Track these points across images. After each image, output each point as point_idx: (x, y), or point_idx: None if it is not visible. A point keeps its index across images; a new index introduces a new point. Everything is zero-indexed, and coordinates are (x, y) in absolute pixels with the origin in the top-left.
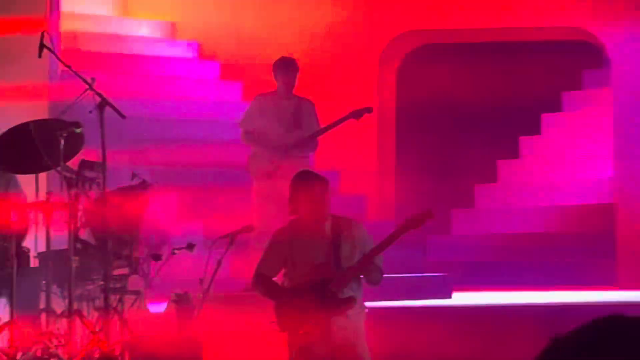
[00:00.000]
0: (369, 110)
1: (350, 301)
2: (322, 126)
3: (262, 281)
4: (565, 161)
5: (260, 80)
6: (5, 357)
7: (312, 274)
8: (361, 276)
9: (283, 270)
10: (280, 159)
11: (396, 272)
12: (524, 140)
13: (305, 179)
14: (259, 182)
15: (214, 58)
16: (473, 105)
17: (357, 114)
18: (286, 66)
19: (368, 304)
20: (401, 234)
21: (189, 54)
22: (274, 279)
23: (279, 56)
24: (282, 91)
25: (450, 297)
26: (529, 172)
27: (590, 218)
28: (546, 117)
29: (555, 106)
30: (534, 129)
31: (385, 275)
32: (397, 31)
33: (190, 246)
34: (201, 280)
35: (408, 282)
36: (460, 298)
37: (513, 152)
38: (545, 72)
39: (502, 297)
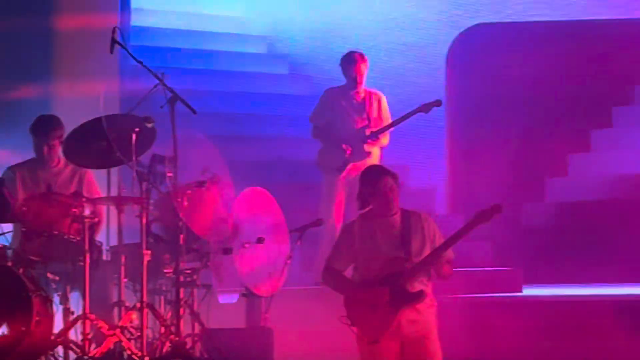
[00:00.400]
0: (437, 103)
1: (420, 295)
2: (392, 120)
3: (332, 275)
4: (636, 154)
5: (330, 75)
6: (78, 350)
7: (382, 267)
8: (431, 270)
9: (353, 265)
10: (349, 153)
11: (466, 266)
12: (595, 134)
13: (374, 173)
14: (329, 176)
15: (283, 53)
16: (544, 98)
17: (425, 108)
18: (353, 60)
19: (438, 298)
20: (471, 229)
21: (259, 48)
22: (344, 273)
23: (347, 50)
24: (350, 85)
25: (520, 291)
26: (599, 165)
27: None
28: (617, 110)
29: (625, 99)
30: (605, 122)
31: (455, 269)
32: (467, 24)
33: (260, 240)
34: (270, 274)
35: (478, 275)
36: (531, 292)
37: (584, 145)
38: (616, 65)
39: (574, 290)
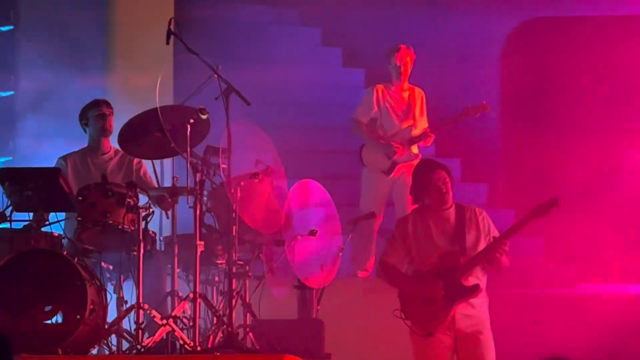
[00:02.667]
0: (485, 107)
1: (475, 289)
2: (440, 121)
3: (386, 269)
4: None
5: (382, 68)
6: (131, 340)
7: (437, 262)
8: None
9: (407, 259)
10: (399, 155)
11: (518, 262)
12: None
13: (428, 167)
14: (373, 173)
15: (336, 44)
16: (598, 92)
17: (472, 111)
18: (397, 49)
19: (490, 293)
20: (527, 222)
21: (312, 39)
22: (399, 267)
23: (400, 42)
24: (395, 79)
25: (573, 287)
26: None
27: None
28: None
29: None
30: None
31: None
32: (524, 15)
33: (312, 232)
34: (323, 266)
35: (531, 271)
36: (584, 288)
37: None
38: None
39: (628, 288)
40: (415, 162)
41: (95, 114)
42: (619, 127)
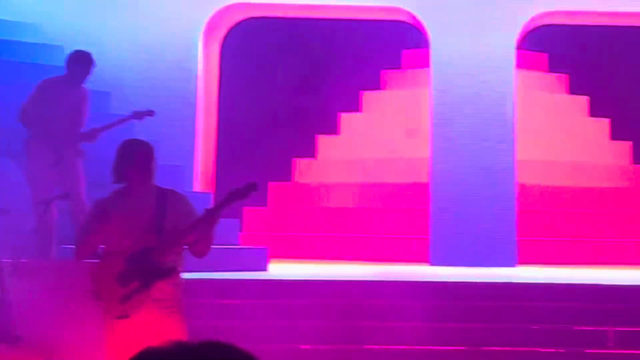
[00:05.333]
0: (150, 113)
1: (171, 271)
2: (104, 125)
3: (83, 250)
4: (383, 139)
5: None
6: None
7: (135, 243)
8: (185, 247)
9: (105, 239)
10: (63, 149)
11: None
12: (344, 117)
13: (129, 144)
14: (39, 168)
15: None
16: (293, 80)
17: (139, 115)
18: (78, 59)
19: (183, 275)
20: (225, 206)
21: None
22: (97, 247)
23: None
24: (68, 79)
25: (266, 269)
26: (348, 148)
27: (405, 196)
28: (366, 95)
29: (375, 84)
30: (355, 106)
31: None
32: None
33: (3, 211)
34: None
35: (223, 254)
36: (277, 271)
37: (333, 129)
38: (365, 50)
39: (321, 270)
40: (81, 158)
41: None
42: (315, 115)
